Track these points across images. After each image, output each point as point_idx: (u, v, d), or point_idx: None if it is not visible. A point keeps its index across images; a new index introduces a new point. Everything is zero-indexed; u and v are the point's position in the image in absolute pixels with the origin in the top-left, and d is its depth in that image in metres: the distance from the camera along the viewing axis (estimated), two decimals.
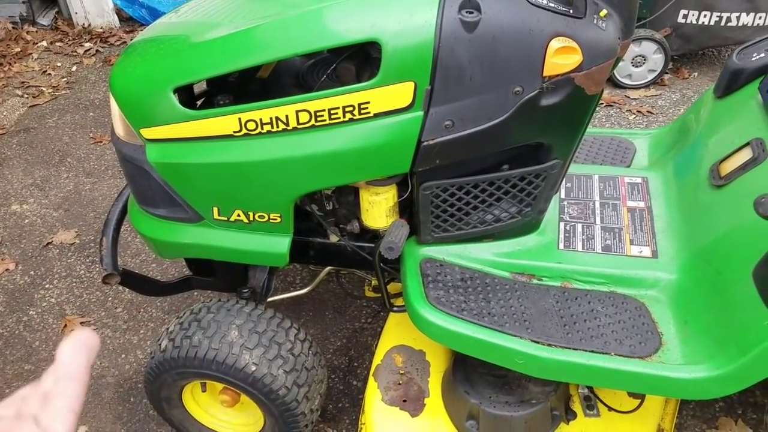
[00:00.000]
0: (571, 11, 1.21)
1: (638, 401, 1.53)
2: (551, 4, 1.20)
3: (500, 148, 1.35)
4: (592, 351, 1.33)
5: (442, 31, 1.18)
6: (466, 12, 1.17)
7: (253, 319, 1.56)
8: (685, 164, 1.72)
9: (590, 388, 1.59)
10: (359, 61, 1.40)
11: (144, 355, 2.20)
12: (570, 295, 1.46)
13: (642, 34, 3.45)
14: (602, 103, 3.53)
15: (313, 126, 1.29)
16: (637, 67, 3.59)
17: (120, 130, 1.51)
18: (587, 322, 1.39)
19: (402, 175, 1.40)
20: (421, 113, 1.25)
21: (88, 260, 2.64)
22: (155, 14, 4.77)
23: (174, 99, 1.33)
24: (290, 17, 1.29)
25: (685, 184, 1.65)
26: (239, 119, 1.31)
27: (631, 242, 1.55)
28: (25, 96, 4.04)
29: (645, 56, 3.54)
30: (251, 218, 1.48)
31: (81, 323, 2.32)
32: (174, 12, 1.59)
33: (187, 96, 1.49)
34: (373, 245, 1.59)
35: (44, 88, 4.11)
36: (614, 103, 3.53)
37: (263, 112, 1.29)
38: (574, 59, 1.20)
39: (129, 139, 1.49)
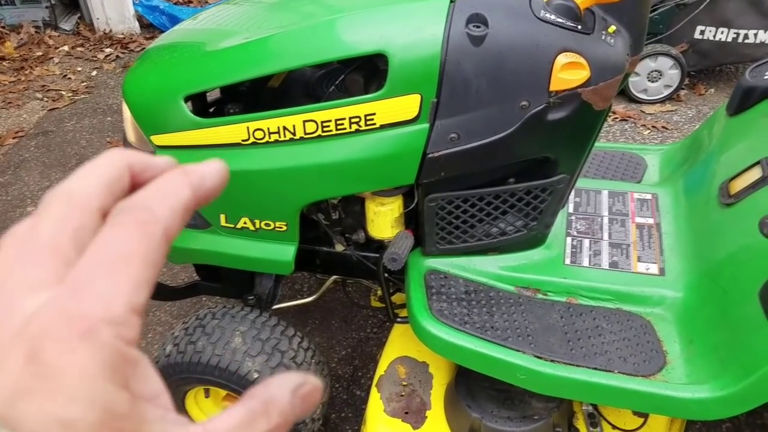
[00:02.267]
0: (579, 27, 1.21)
1: (642, 420, 1.52)
2: (559, 20, 1.20)
3: (506, 162, 1.35)
4: (596, 368, 1.32)
5: (449, 44, 1.18)
6: (474, 26, 1.18)
7: (257, 326, 1.57)
8: (695, 181, 1.71)
9: (594, 406, 1.58)
10: (367, 72, 1.41)
11: (152, 359, 2.21)
12: (575, 310, 1.45)
13: (658, 49, 3.43)
14: (617, 118, 3.52)
15: (319, 136, 1.30)
16: (652, 82, 3.57)
17: (131, 136, 1.53)
18: (591, 339, 1.38)
19: (407, 186, 1.40)
20: (426, 125, 1.26)
21: None
22: (175, 21, 4.83)
23: (184, 107, 1.35)
24: (300, 28, 1.30)
25: (694, 202, 1.64)
26: (247, 128, 1.33)
27: (639, 259, 1.54)
28: (45, 99, 4.10)
29: (661, 71, 3.52)
30: (257, 226, 1.49)
31: None
32: (192, 19, 1.61)
33: (200, 103, 1.51)
34: (378, 255, 1.59)
35: (64, 92, 4.18)
36: (629, 117, 3.51)
37: (271, 122, 1.31)
38: (582, 75, 1.20)
39: (140, 145, 1.51)
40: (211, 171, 0.30)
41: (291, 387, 0.30)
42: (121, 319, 0.24)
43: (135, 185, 0.30)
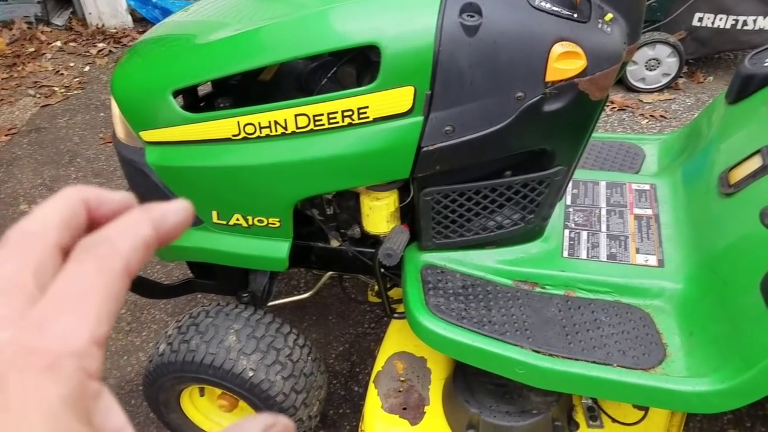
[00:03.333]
0: (575, 15, 1.18)
1: (642, 413, 1.50)
2: (554, 8, 1.17)
3: (502, 154, 1.32)
4: (594, 362, 1.30)
5: (443, 35, 1.16)
6: (467, 16, 1.15)
7: (252, 324, 1.55)
8: (694, 171, 1.68)
9: (594, 399, 1.56)
10: (360, 64, 1.38)
11: (146, 357, 2.20)
12: (573, 304, 1.44)
13: (656, 37, 3.40)
14: (614, 107, 3.49)
15: (311, 130, 1.27)
16: (650, 70, 3.54)
17: (120, 132, 1.51)
18: (590, 332, 1.37)
19: (403, 180, 1.38)
20: (420, 118, 1.23)
21: None
22: (168, 14, 4.78)
23: (173, 102, 1.32)
24: (290, 20, 1.28)
25: (693, 192, 1.62)
26: (238, 123, 1.30)
27: (637, 251, 1.52)
28: (38, 96, 4.06)
29: (659, 60, 3.49)
30: (250, 222, 1.46)
31: None
32: (183, 11, 1.59)
33: (190, 97, 1.49)
34: (373, 250, 1.57)
35: (56, 88, 4.14)
36: (627, 107, 3.49)
37: (262, 116, 1.28)
38: (578, 64, 1.18)
39: (129, 141, 1.48)
40: (174, 209, 0.32)
41: (261, 428, 0.31)
42: (84, 351, 0.25)
43: (92, 220, 0.31)
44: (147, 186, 1.48)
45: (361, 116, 1.24)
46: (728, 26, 3.36)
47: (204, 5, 1.54)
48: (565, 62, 1.17)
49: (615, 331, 1.36)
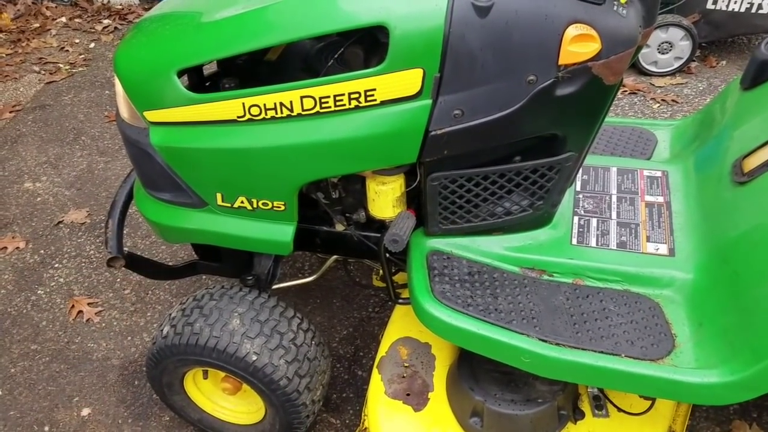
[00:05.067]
0: None
1: (649, 403, 1.49)
2: None
3: (512, 139, 1.30)
4: (602, 352, 1.28)
5: (453, 15, 1.12)
6: None
7: (256, 307, 1.54)
8: (707, 158, 1.65)
9: (600, 388, 1.55)
10: (368, 45, 1.35)
11: (150, 337, 2.19)
12: (581, 292, 1.41)
13: (669, 19, 3.34)
14: (626, 91, 3.44)
15: (318, 113, 1.25)
16: (663, 54, 3.49)
17: (124, 111, 1.48)
18: (598, 321, 1.35)
19: (410, 164, 1.35)
20: (429, 101, 1.20)
21: (98, 240, 2.63)
22: None
23: (177, 82, 1.30)
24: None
25: (706, 180, 1.59)
26: (243, 104, 1.28)
27: (648, 239, 1.49)
28: (42, 72, 4.04)
29: (672, 43, 3.43)
30: (255, 205, 1.44)
31: (88, 304, 2.32)
32: None
33: (196, 77, 1.46)
34: (379, 235, 1.55)
35: (61, 65, 4.11)
36: (638, 90, 3.44)
37: (267, 98, 1.26)
38: (592, 47, 1.14)
39: (133, 121, 1.46)
40: None
41: None
42: None
43: None
44: (152, 167, 1.46)
45: (369, 99, 1.21)
46: (743, 9, 3.30)
47: None
48: (579, 45, 1.14)
49: (623, 321, 1.34)
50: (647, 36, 1.29)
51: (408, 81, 1.18)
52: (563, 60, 1.15)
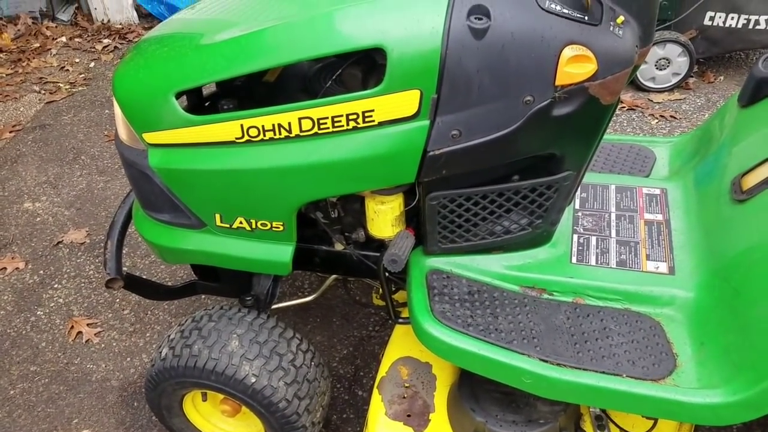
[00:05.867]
0: (585, 18, 1.15)
1: (651, 423, 1.48)
2: (565, 11, 1.14)
3: (510, 159, 1.30)
4: (603, 372, 1.27)
5: (450, 38, 1.13)
6: (475, 18, 1.12)
7: (255, 328, 1.53)
8: (706, 176, 1.65)
9: (602, 408, 1.53)
10: (366, 66, 1.36)
11: (149, 358, 2.18)
12: (582, 311, 1.41)
13: (666, 36, 3.36)
14: (624, 107, 3.45)
15: (316, 134, 1.25)
16: (661, 70, 3.50)
17: (123, 133, 1.49)
18: (599, 341, 1.34)
19: (408, 184, 1.35)
20: (427, 122, 1.20)
21: (97, 260, 2.63)
22: (174, 10, 4.77)
23: (175, 104, 1.30)
24: (295, 22, 1.25)
25: (705, 197, 1.58)
26: (241, 125, 1.28)
27: (648, 257, 1.49)
28: (42, 92, 4.06)
29: (669, 59, 3.45)
30: (254, 226, 1.44)
31: (87, 325, 2.31)
32: (190, 8, 1.56)
33: (195, 98, 1.47)
34: (378, 254, 1.55)
35: (61, 85, 4.13)
36: (637, 106, 3.45)
37: (265, 119, 1.26)
38: (589, 68, 1.15)
39: (132, 143, 1.47)
40: None
41: None
42: None
43: None
44: (150, 188, 1.46)
45: (367, 120, 1.22)
46: (740, 25, 3.32)
47: (211, 3, 1.51)
48: (575, 66, 1.14)
49: (624, 340, 1.33)
50: (644, 55, 1.29)
51: (406, 102, 1.19)
52: (560, 81, 1.15)
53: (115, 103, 1.44)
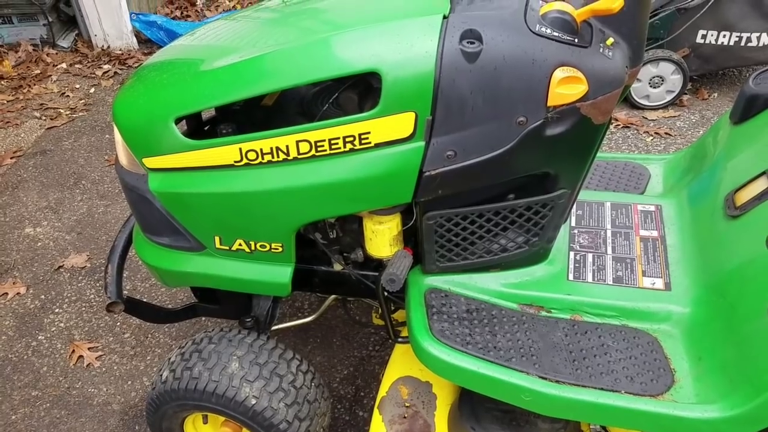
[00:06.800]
0: (575, 40, 1.18)
1: None
2: (555, 33, 1.17)
3: (504, 178, 1.32)
4: (602, 388, 1.28)
5: (443, 61, 1.15)
6: (468, 42, 1.15)
7: (255, 350, 1.54)
8: (700, 192, 1.67)
9: (602, 426, 1.54)
10: (362, 89, 1.38)
11: (150, 381, 2.18)
12: (580, 328, 1.42)
13: (660, 54, 3.40)
14: (619, 125, 3.48)
15: (313, 156, 1.27)
16: (654, 87, 3.54)
17: (123, 158, 1.51)
18: (597, 358, 1.35)
19: (405, 204, 1.37)
20: (422, 143, 1.23)
21: (98, 284, 2.64)
22: (173, 36, 4.83)
23: (175, 129, 1.32)
24: (292, 48, 1.28)
25: (699, 213, 1.60)
26: (240, 149, 1.30)
27: (644, 273, 1.50)
28: (43, 118, 4.09)
29: (663, 77, 3.49)
30: (253, 248, 1.46)
31: (88, 349, 2.32)
32: (189, 35, 1.59)
33: (194, 122, 1.49)
34: (377, 274, 1.56)
35: (62, 110, 4.17)
36: (631, 124, 3.48)
37: (264, 142, 1.28)
38: (580, 89, 1.17)
39: (132, 167, 1.48)
40: None
41: None
42: None
43: None
44: (150, 212, 1.48)
45: (363, 142, 1.24)
46: (732, 43, 3.37)
47: (210, 30, 1.54)
48: (566, 87, 1.17)
49: (622, 357, 1.34)
50: (634, 75, 1.32)
51: (401, 124, 1.21)
52: (552, 102, 1.18)
53: (116, 129, 1.46)
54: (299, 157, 1.28)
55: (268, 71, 1.27)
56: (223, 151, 1.31)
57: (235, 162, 1.32)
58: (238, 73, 1.29)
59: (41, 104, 4.27)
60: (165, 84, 1.40)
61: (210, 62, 1.34)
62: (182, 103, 1.33)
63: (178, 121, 1.34)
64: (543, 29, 1.17)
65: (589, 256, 1.56)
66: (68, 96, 4.38)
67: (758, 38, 3.32)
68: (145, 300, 2.29)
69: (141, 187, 1.45)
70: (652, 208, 1.70)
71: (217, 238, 1.47)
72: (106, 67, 4.79)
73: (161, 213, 1.46)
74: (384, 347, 2.21)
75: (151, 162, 1.40)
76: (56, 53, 5.03)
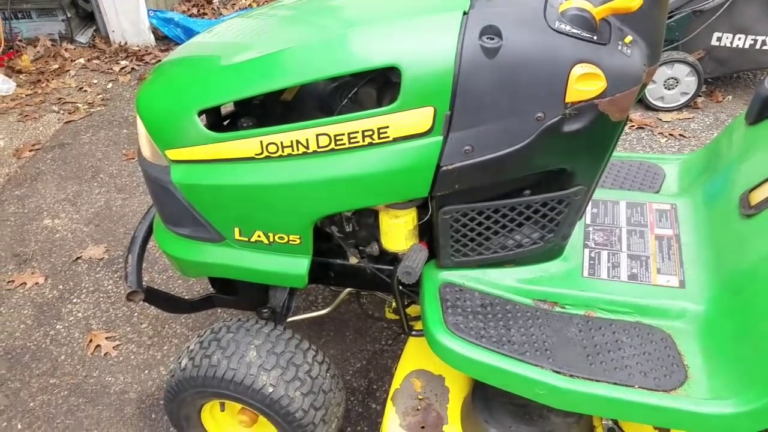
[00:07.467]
0: (594, 37, 1.19)
1: None
2: (574, 30, 1.19)
3: (521, 174, 1.33)
4: (616, 383, 1.29)
5: (463, 57, 1.17)
6: (487, 38, 1.17)
7: (272, 339, 1.56)
8: (715, 191, 1.68)
9: (614, 420, 1.55)
10: (380, 85, 1.40)
11: (167, 371, 2.22)
12: (594, 324, 1.43)
13: (675, 56, 3.40)
14: (633, 126, 3.48)
15: (332, 149, 1.29)
16: (669, 89, 3.54)
17: (146, 150, 1.53)
18: (611, 353, 1.36)
19: (422, 198, 1.39)
20: (440, 138, 1.24)
21: (115, 275, 2.67)
22: (190, 33, 4.87)
23: (198, 122, 1.35)
24: (312, 43, 1.30)
25: (714, 212, 1.61)
26: (261, 142, 1.32)
27: (658, 271, 1.51)
28: (61, 112, 4.14)
29: (678, 79, 3.48)
30: (271, 239, 1.48)
31: (106, 338, 2.35)
32: (207, 32, 1.62)
33: (214, 116, 1.51)
34: (392, 268, 1.58)
35: (80, 105, 4.22)
36: (646, 125, 3.48)
37: (284, 136, 1.30)
38: (598, 86, 1.18)
39: (155, 159, 1.51)
40: None
41: None
42: None
43: None
44: (172, 203, 1.50)
45: (382, 136, 1.26)
46: (747, 46, 3.36)
47: (228, 27, 1.57)
48: (584, 83, 1.18)
49: (636, 352, 1.35)
50: (652, 74, 1.33)
51: (420, 119, 1.23)
52: (570, 98, 1.19)
53: (139, 121, 1.48)
54: (319, 150, 1.30)
55: (290, 66, 1.29)
56: (245, 144, 1.34)
57: (256, 155, 1.34)
58: (261, 67, 1.31)
59: (59, 98, 4.32)
60: (188, 78, 1.43)
61: (231, 57, 1.37)
62: (205, 96, 1.35)
63: (200, 113, 1.37)
64: (562, 26, 1.18)
65: (604, 254, 1.58)
66: (86, 91, 4.43)
67: None
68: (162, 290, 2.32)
69: (163, 178, 1.47)
70: (667, 207, 1.71)
71: (236, 230, 1.49)
72: (123, 63, 4.84)
73: (182, 204, 1.49)
74: (396, 342, 2.23)
75: (173, 154, 1.43)
76: (74, 48, 5.08)
